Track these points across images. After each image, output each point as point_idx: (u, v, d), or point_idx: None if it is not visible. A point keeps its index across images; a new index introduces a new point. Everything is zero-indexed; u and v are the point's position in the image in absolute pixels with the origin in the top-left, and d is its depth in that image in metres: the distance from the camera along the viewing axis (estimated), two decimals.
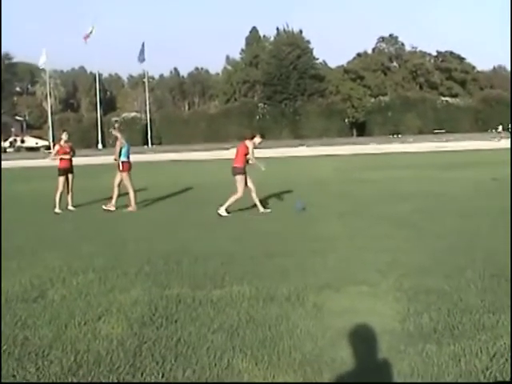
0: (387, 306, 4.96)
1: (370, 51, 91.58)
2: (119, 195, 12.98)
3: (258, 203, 11.50)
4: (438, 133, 66.97)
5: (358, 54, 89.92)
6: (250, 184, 11.50)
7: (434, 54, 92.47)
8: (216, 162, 34.76)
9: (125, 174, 12.87)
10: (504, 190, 13.42)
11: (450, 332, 4.29)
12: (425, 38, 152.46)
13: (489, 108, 72.31)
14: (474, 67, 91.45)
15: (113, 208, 12.64)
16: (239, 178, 11.42)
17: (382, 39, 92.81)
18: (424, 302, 5.01)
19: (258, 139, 11.71)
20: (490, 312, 4.67)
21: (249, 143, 11.62)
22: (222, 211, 11.16)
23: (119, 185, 12.93)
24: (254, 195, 11.52)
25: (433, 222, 9.41)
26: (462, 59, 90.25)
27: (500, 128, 58.83)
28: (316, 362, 3.84)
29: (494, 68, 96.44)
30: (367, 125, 76.40)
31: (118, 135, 13.30)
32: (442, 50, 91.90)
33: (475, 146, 40.95)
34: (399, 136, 66.74)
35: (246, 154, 11.56)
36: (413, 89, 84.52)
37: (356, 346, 4.08)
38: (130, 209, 12.72)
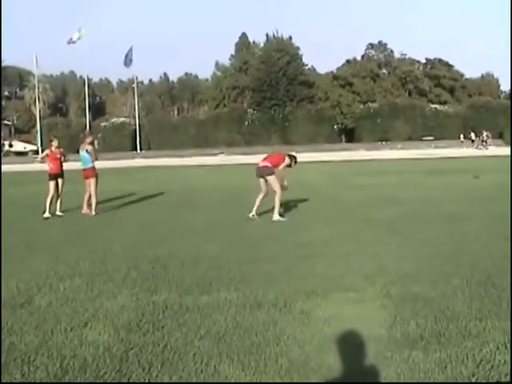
0: (374, 313, 4.97)
1: (359, 58, 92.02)
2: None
3: (256, 206, 11.45)
4: (426, 139, 67.30)
5: (347, 61, 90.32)
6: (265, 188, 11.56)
7: (423, 61, 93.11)
8: (204, 168, 34.77)
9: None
10: (492, 195, 13.52)
11: (436, 339, 4.30)
12: (414, 45, 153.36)
13: (477, 115, 72.76)
14: (462, 74, 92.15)
15: (93, 213, 12.89)
16: (272, 178, 11.38)
17: (371, 46, 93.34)
18: (411, 309, 5.02)
19: (287, 160, 11.66)
20: (477, 319, 4.69)
21: (287, 158, 11.60)
22: (276, 217, 11.09)
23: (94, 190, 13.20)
24: (260, 197, 11.52)
25: (421, 228, 9.46)
26: (450, 66, 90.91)
27: (472, 135, 60.40)
28: (303, 368, 3.84)
29: (482, 76, 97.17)
30: (356, 131, 76.63)
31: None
32: (431, 57, 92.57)
33: (463, 153, 41.30)
34: (388, 142, 67.03)
35: (277, 163, 11.54)
36: (402, 95, 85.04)
37: (343, 353, 4.09)
38: (84, 211, 13.12)
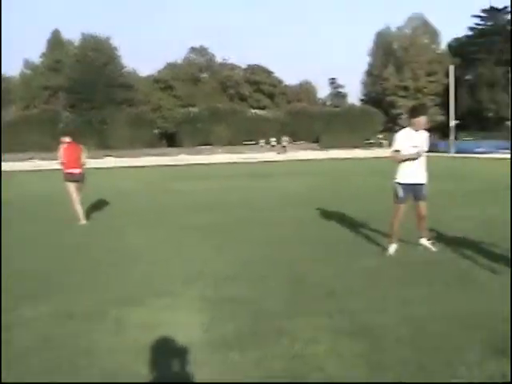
0: (192, 317, 5.03)
1: (180, 61, 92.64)
2: None
3: (81, 212, 11.42)
4: (247, 144, 69.57)
5: (168, 64, 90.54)
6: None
7: (244, 66, 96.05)
8: (13, 174, 32.84)
9: None
10: (310, 199, 14.27)
11: (252, 338, 4.46)
12: (234, 50, 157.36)
13: (295, 120, 76.83)
14: (281, 81, 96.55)
15: None
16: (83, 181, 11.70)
17: (193, 50, 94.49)
18: (228, 311, 5.16)
19: (83, 148, 11.99)
20: (290, 317, 4.94)
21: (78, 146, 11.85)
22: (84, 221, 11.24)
23: None
24: (78, 200, 11.47)
25: (241, 232, 9.71)
26: (270, 73, 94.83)
27: (273, 140, 65.09)
28: (115, 377, 3.78)
29: (301, 83, 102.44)
30: (177, 135, 76.89)
31: None
32: (251, 63, 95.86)
33: (279, 158, 43.33)
34: (209, 147, 68.33)
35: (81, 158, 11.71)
36: (223, 100, 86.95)
37: (158, 359, 4.09)
38: None
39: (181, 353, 4.18)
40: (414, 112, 7.53)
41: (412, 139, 7.41)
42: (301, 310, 5.16)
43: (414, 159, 7.40)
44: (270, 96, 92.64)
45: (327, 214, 11.27)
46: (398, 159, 7.51)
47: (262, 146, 66.46)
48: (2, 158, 48.00)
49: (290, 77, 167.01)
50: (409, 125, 7.55)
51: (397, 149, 7.50)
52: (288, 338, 4.42)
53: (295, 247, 8.21)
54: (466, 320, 4.72)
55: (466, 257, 7.10)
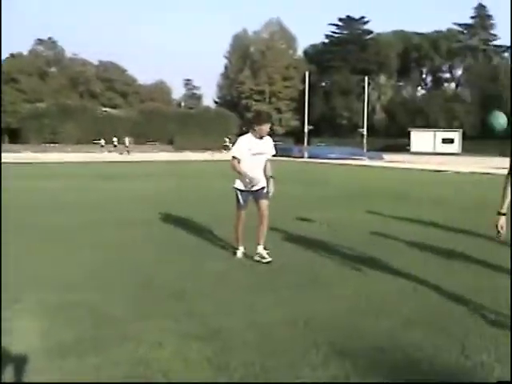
0: (30, 324, 4.83)
1: (26, 53, 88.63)
2: None
3: None
4: (96, 143, 68.04)
5: (12, 55, 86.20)
6: None
7: (96, 63, 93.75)
8: None
9: None
10: (157, 201, 14.19)
11: (93, 343, 4.35)
12: (86, 46, 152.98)
13: (148, 120, 76.35)
14: (135, 80, 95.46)
15: None
16: None
17: (40, 41, 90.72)
18: (71, 316, 5.01)
19: None
20: (136, 321, 4.89)
21: None
22: None
23: None
24: None
25: (89, 234, 9.43)
26: (123, 71, 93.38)
27: (115, 140, 64.83)
28: None
29: (155, 83, 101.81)
30: (22, 132, 73.48)
31: None
32: (104, 59, 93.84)
33: (128, 158, 42.75)
34: (56, 145, 66.07)
35: None
36: (73, 97, 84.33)
37: None
38: None
39: (12, 361, 3.99)
40: (258, 119, 7.51)
41: (253, 146, 7.38)
42: (147, 312, 5.12)
43: (246, 179, 7.34)
44: (123, 94, 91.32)
45: (174, 217, 11.32)
46: (236, 170, 7.44)
47: (102, 146, 65.48)
48: None
49: (144, 76, 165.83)
50: (252, 131, 7.50)
51: (236, 155, 7.44)
52: (132, 343, 4.36)
53: (143, 249, 8.16)
54: (312, 323, 4.90)
55: (317, 259, 7.40)
